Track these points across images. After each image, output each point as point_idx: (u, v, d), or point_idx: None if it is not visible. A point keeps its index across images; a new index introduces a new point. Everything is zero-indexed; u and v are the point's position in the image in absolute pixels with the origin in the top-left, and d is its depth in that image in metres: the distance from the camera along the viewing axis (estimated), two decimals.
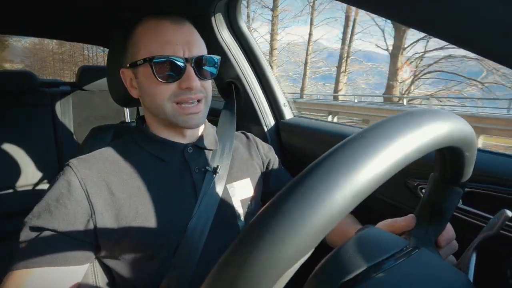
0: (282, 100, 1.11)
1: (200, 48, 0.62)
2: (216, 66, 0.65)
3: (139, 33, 0.60)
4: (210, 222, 0.60)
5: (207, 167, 0.65)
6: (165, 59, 0.56)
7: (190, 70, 0.58)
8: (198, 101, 0.62)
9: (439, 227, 0.41)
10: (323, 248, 0.32)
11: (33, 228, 0.51)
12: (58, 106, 1.83)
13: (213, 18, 1.00)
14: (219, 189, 0.64)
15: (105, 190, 0.56)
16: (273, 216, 0.20)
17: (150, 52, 0.58)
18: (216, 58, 0.64)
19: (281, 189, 0.21)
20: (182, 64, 0.58)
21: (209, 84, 0.65)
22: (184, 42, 0.59)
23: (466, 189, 0.38)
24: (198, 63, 0.60)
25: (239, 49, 1.07)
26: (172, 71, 0.57)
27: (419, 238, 0.40)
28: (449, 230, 0.44)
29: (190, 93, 0.59)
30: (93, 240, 0.53)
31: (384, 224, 0.47)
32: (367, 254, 0.30)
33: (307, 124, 1.04)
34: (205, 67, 0.62)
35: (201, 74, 0.61)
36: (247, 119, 1.12)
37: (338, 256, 0.30)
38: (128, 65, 0.62)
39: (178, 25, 0.60)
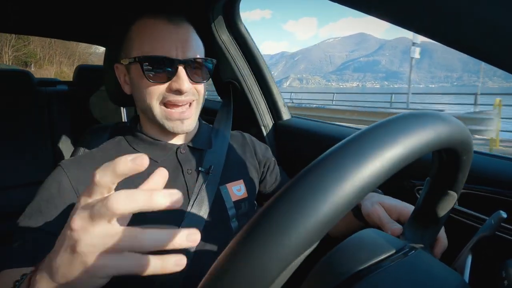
0: (279, 100, 1.11)
1: (195, 50, 0.60)
2: (210, 70, 0.63)
3: (135, 30, 0.59)
4: (202, 223, 0.59)
5: (200, 168, 0.64)
6: (156, 58, 0.55)
7: (182, 71, 0.56)
8: (189, 104, 0.60)
9: (434, 232, 0.41)
10: (319, 249, 0.32)
11: (24, 229, 0.50)
12: (55, 106, 1.82)
13: (211, 19, 1.00)
14: (212, 190, 0.63)
15: None
16: (267, 221, 0.20)
17: (143, 50, 0.57)
18: (212, 61, 0.63)
19: (278, 190, 0.21)
20: (174, 65, 0.56)
21: (201, 87, 0.63)
22: (179, 42, 0.57)
23: (462, 190, 0.38)
24: (191, 65, 0.58)
25: (237, 49, 1.07)
26: (162, 72, 0.56)
27: (414, 242, 0.40)
28: (443, 239, 0.46)
29: (180, 96, 0.58)
30: None
31: None
32: (363, 255, 0.30)
33: (304, 124, 1.04)
34: (199, 70, 0.60)
35: (193, 77, 0.59)
36: (244, 120, 1.12)
37: (334, 257, 0.30)
38: (122, 61, 0.62)
39: (175, 25, 0.58)
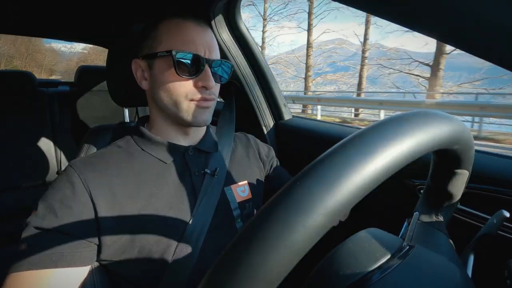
0: (281, 100, 1.11)
1: (218, 53, 0.65)
2: (228, 73, 0.67)
3: (162, 28, 0.62)
4: (208, 224, 0.60)
5: (206, 170, 0.65)
6: (189, 54, 0.59)
7: (208, 70, 0.60)
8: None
9: (449, 210, 0.41)
10: (318, 251, 0.32)
11: (36, 229, 0.51)
12: (56, 106, 1.83)
13: (212, 19, 1.01)
14: (217, 192, 0.65)
15: (107, 191, 0.56)
16: (266, 221, 0.20)
17: (172, 46, 0.59)
18: (231, 64, 0.68)
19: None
20: (203, 63, 0.60)
21: (218, 88, 0.67)
22: (205, 44, 0.61)
23: (464, 190, 0.38)
24: (216, 66, 0.63)
25: (239, 49, 1.07)
26: (192, 68, 0.59)
27: (430, 221, 0.40)
28: None
29: (205, 92, 0.61)
30: (96, 240, 0.54)
31: None
32: (362, 261, 0.29)
33: (305, 124, 1.04)
34: (220, 72, 0.65)
35: (215, 77, 0.63)
36: (246, 120, 1.12)
37: (331, 264, 0.30)
38: (143, 56, 0.63)
39: (201, 28, 0.62)
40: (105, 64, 0.78)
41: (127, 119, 1.37)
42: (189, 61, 0.59)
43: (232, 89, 1.05)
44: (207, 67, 0.60)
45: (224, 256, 0.21)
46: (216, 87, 0.65)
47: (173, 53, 0.58)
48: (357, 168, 0.21)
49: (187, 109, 0.61)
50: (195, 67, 0.59)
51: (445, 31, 0.32)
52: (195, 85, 0.60)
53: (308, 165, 0.22)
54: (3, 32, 1.59)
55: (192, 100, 0.61)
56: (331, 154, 0.22)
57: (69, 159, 1.79)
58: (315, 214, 0.19)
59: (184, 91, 0.60)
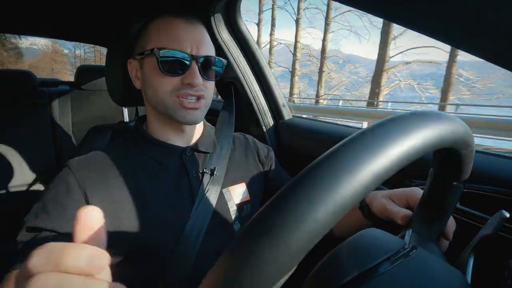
0: (281, 100, 1.11)
1: (208, 49, 0.63)
2: (221, 69, 0.66)
3: (152, 27, 0.62)
4: (206, 225, 0.60)
5: (204, 170, 0.65)
6: (171, 52, 0.58)
7: (195, 67, 0.59)
8: (198, 98, 0.62)
9: (440, 223, 0.41)
10: (320, 248, 0.32)
11: (30, 229, 0.51)
12: (56, 106, 1.83)
13: (212, 18, 1.00)
14: (215, 193, 0.64)
15: (103, 191, 0.55)
16: (269, 217, 0.20)
17: (159, 45, 0.59)
18: (223, 61, 0.66)
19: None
20: (188, 60, 0.59)
21: (211, 85, 0.65)
22: (194, 40, 0.60)
23: (464, 190, 0.38)
24: (204, 62, 0.61)
25: (239, 49, 1.07)
26: (176, 66, 0.59)
27: (421, 234, 0.40)
28: (452, 222, 0.46)
29: (191, 89, 0.60)
30: None
31: (381, 203, 0.52)
32: (364, 257, 0.29)
33: (305, 124, 1.04)
34: (210, 68, 0.63)
35: (205, 74, 0.61)
36: (246, 120, 1.12)
37: (335, 258, 0.30)
38: (136, 56, 0.63)
39: (191, 24, 0.61)
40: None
41: (126, 119, 1.37)
42: (173, 59, 0.58)
43: (232, 89, 1.05)
44: (193, 64, 0.59)
45: (245, 232, 0.21)
46: (207, 84, 0.63)
47: (155, 51, 0.58)
48: (373, 156, 0.21)
49: (173, 106, 0.60)
50: (180, 65, 0.59)
51: (444, 30, 0.31)
52: (182, 83, 0.59)
53: (325, 153, 0.22)
54: (3, 32, 1.59)
55: (177, 96, 0.60)
56: (350, 141, 0.22)
57: (69, 158, 1.78)
58: (324, 204, 0.20)
59: (169, 89, 0.59)
